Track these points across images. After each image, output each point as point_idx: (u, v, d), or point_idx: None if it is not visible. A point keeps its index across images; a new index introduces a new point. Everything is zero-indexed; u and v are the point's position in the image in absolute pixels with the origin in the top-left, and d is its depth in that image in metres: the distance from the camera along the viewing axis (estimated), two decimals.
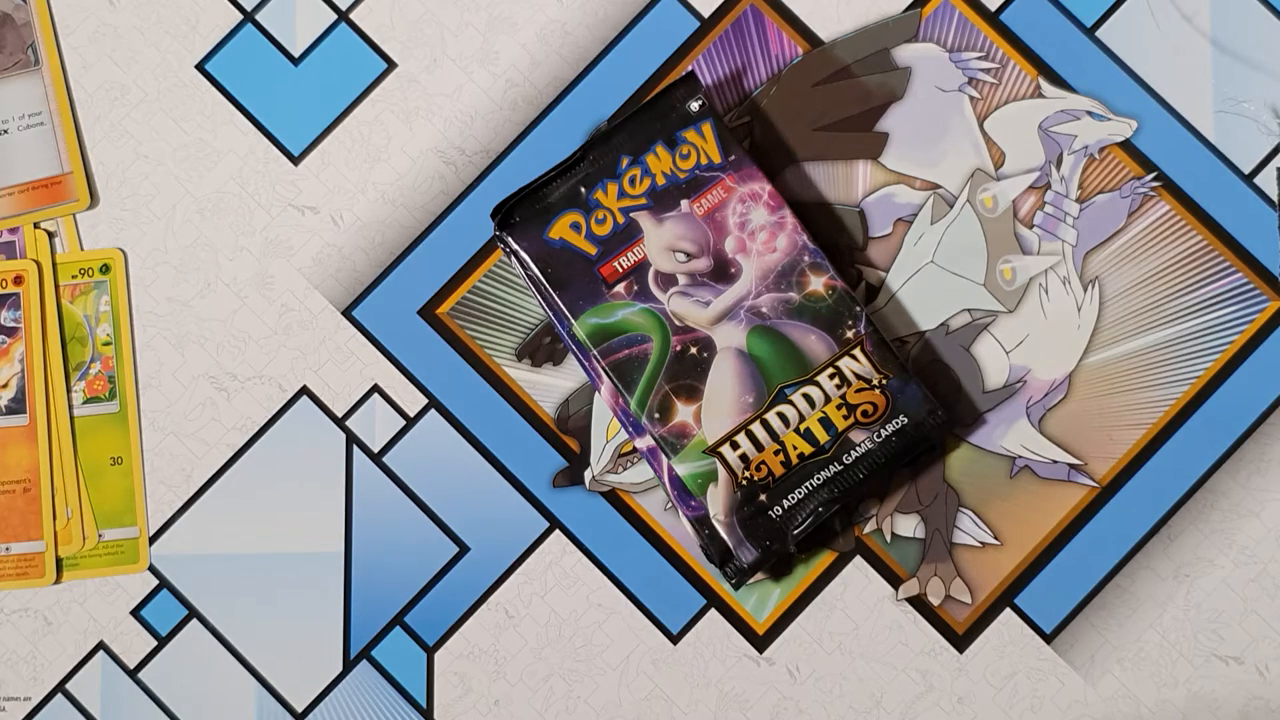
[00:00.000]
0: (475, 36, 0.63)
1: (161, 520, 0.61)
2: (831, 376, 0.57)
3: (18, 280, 0.61)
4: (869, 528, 0.60)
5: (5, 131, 0.62)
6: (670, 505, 0.60)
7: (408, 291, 0.61)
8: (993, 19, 0.62)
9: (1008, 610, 0.60)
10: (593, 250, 0.58)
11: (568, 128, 0.62)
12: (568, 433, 0.61)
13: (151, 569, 0.61)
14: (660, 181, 0.58)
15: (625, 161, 0.58)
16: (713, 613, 0.60)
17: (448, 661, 0.60)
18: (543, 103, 0.62)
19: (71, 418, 0.61)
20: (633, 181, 0.58)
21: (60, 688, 0.60)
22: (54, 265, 0.61)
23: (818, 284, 0.58)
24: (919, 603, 0.60)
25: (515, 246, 0.58)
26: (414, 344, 0.61)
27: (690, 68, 0.62)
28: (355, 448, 0.61)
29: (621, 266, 0.58)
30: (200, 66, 0.63)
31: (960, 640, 0.60)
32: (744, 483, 0.56)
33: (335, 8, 0.63)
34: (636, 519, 0.60)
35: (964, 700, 0.59)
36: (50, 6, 0.63)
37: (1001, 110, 0.62)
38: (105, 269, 0.61)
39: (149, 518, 0.61)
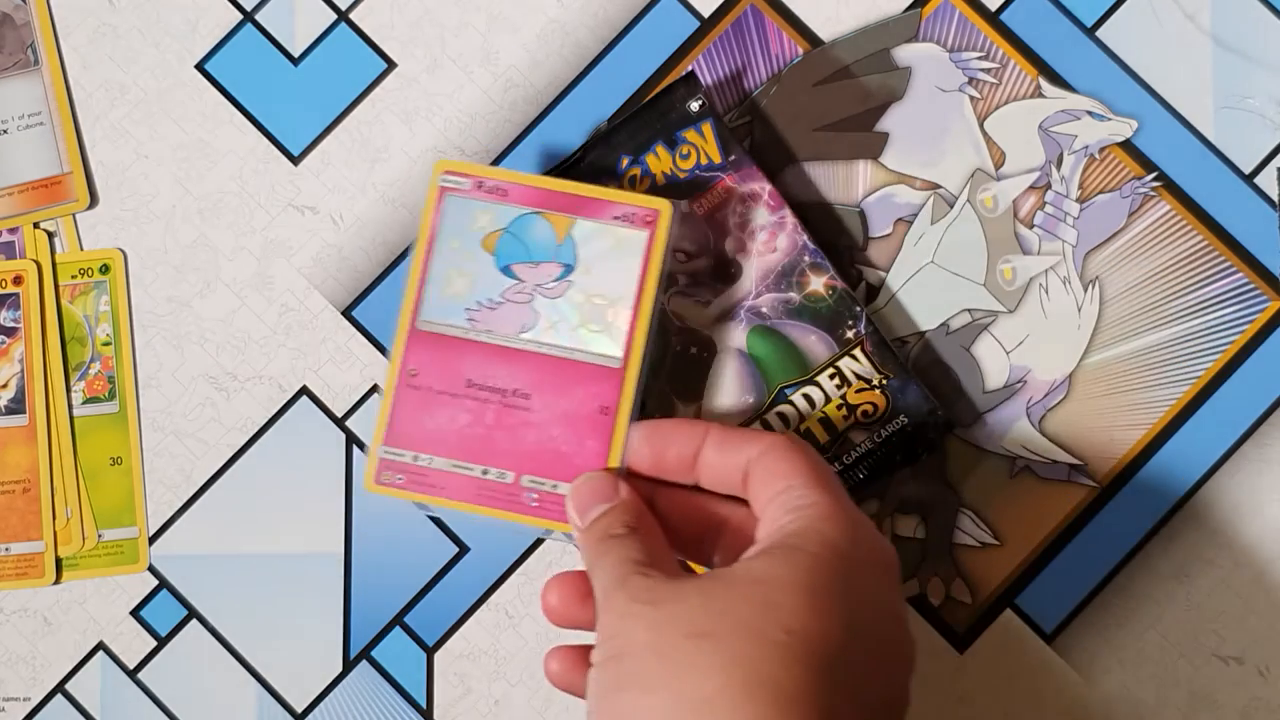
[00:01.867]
0: (475, 36, 0.63)
1: (161, 520, 0.61)
2: (832, 377, 0.57)
3: (17, 280, 0.61)
4: None
5: (5, 131, 0.62)
6: None
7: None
8: (993, 19, 0.62)
9: (1008, 610, 0.60)
10: None
11: (568, 128, 0.62)
12: None
13: (151, 569, 0.61)
14: (660, 181, 0.58)
15: (625, 161, 0.58)
16: None
17: (448, 661, 0.60)
18: (543, 103, 0.62)
19: (71, 418, 0.61)
20: (633, 181, 0.58)
21: (60, 688, 0.60)
22: (54, 265, 0.61)
23: (818, 284, 0.58)
24: (919, 603, 0.60)
25: None
26: None
27: (690, 68, 0.61)
28: (355, 448, 0.61)
29: None
30: (200, 66, 0.63)
31: (960, 640, 0.60)
32: None
33: (335, 8, 0.63)
34: None
35: (964, 700, 0.59)
36: (50, 6, 0.63)
37: (1002, 110, 0.62)
38: (105, 269, 0.61)
39: (149, 518, 0.61)
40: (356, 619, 0.60)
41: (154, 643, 0.60)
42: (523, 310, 0.53)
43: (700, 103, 0.58)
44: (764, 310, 0.58)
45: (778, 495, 0.48)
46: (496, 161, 0.62)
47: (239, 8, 0.63)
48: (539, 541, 0.60)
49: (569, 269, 0.53)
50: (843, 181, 0.61)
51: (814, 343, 0.57)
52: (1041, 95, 0.62)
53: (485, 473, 0.52)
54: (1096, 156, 0.61)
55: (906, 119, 0.62)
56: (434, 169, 0.54)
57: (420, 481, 0.52)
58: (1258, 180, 0.61)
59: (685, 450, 0.51)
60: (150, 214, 0.62)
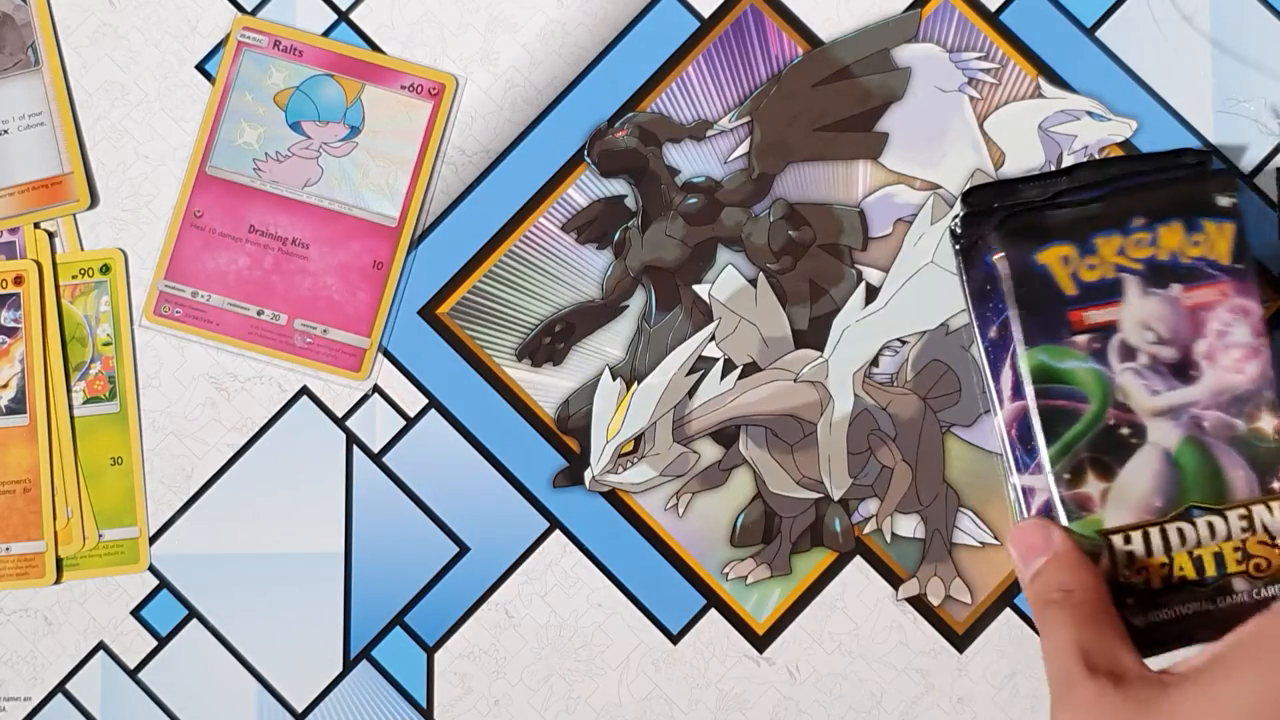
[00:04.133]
0: (475, 36, 0.63)
1: (161, 520, 0.61)
2: (1242, 517, 0.55)
3: (18, 280, 0.61)
4: (869, 528, 0.60)
5: (5, 131, 0.62)
6: (671, 505, 0.60)
7: (408, 291, 0.61)
8: (993, 19, 0.62)
9: (1008, 610, 0.60)
10: (1073, 291, 0.56)
11: (568, 128, 0.62)
12: (568, 433, 0.61)
13: (151, 569, 0.61)
14: (1163, 256, 0.56)
15: (1140, 221, 0.56)
16: (713, 613, 0.60)
17: (448, 661, 0.60)
18: (543, 103, 0.62)
19: (71, 418, 0.61)
20: (1139, 244, 0.56)
21: (60, 688, 0.60)
22: (54, 265, 0.61)
23: (1268, 424, 0.55)
24: (919, 603, 0.60)
25: (1000, 253, 0.56)
26: (414, 344, 0.61)
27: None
28: (355, 448, 0.61)
29: (1092, 320, 0.56)
30: (200, 66, 0.63)
31: (960, 640, 0.60)
32: (1120, 579, 0.54)
33: (335, 8, 0.63)
34: (636, 519, 0.60)
35: (964, 700, 0.59)
36: (50, 6, 0.63)
37: (1001, 110, 0.62)
38: (105, 269, 0.62)
39: (149, 518, 0.61)
40: (356, 619, 0.60)
41: (154, 642, 0.60)
42: (309, 165, 0.58)
43: (1232, 202, 0.56)
44: (1205, 425, 0.55)
45: None
46: (498, 161, 0.62)
47: (239, 8, 0.63)
48: (540, 541, 0.60)
49: (355, 130, 0.59)
50: (843, 181, 0.61)
51: (1240, 478, 0.55)
52: (1041, 95, 0.62)
53: (260, 313, 0.58)
54: (1096, 156, 0.61)
55: (906, 119, 0.62)
56: (233, 24, 0.60)
57: (197, 316, 0.58)
58: (1257, 180, 0.61)
59: None
60: (150, 214, 0.62)
